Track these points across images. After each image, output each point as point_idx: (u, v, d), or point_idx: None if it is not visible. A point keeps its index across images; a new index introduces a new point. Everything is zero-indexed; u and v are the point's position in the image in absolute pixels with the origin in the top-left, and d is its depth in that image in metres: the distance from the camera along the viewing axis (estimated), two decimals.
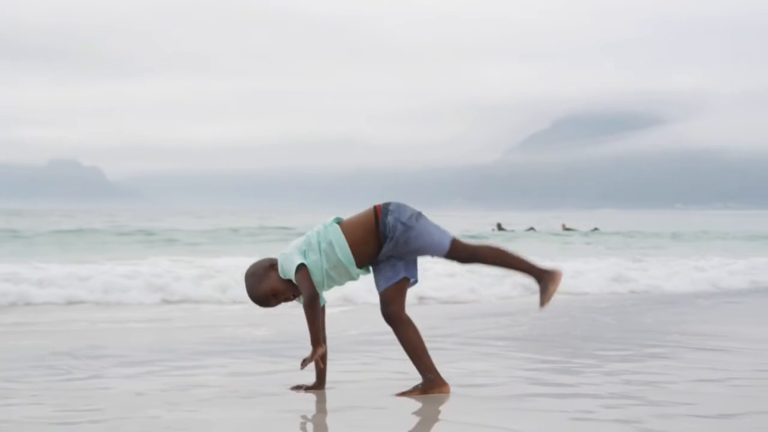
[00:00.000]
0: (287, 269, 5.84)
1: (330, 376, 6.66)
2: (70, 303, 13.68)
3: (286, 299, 5.97)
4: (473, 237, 49.85)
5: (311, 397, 5.90)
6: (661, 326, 10.50)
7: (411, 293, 6.14)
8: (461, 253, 5.93)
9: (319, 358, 5.92)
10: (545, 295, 5.90)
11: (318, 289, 5.87)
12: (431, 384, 5.92)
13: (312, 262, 5.84)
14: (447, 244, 5.90)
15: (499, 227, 58.51)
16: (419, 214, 5.95)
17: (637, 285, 18.41)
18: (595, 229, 61.06)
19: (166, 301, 14.17)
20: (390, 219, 5.86)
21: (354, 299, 14.48)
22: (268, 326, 10.54)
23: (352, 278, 5.97)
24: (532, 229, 58.73)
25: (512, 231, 56.48)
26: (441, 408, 5.59)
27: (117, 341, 9.17)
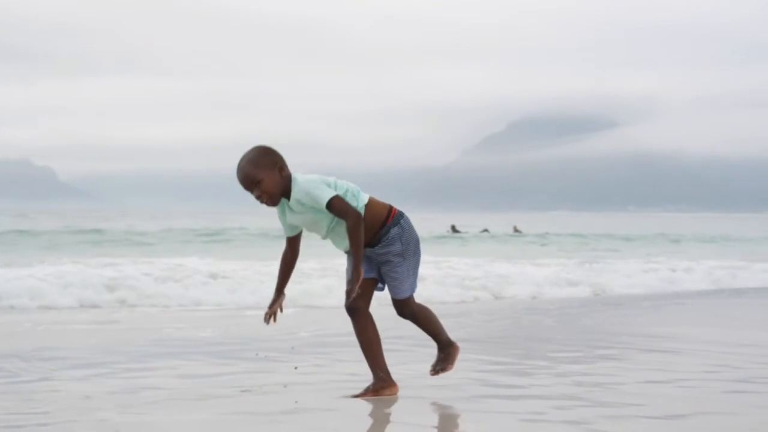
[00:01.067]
0: (315, 195, 5.66)
1: (282, 377, 6.65)
2: (11, 306, 13.59)
3: (264, 202, 5.71)
4: (428, 239, 50.01)
5: (262, 399, 5.88)
6: (611, 328, 10.58)
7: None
8: (408, 308, 6.06)
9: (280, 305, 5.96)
10: (443, 364, 6.12)
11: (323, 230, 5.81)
12: (382, 384, 5.93)
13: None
14: (406, 295, 5.98)
15: (454, 229, 58.67)
16: (416, 250, 5.97)
17: (587, 287, 18.58)
18: (545, 233, 61.49)
19: (120, 302, 14.10)
20: (394, 231, 5.88)
21: (302, 301, 14.50)
22: (213, 328, 10.52)
23: (325, 237, 5.88)
24: (486, 231, 58.96)
25: (466, 233, 56.67)
26: (392, 410, 5.59)
27: (65, 343, 9.09)
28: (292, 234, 5.95)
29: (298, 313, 13.12)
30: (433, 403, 5.76)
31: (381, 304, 6.60)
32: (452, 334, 9.82)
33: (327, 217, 5.77)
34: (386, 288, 6.01)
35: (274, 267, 18.40)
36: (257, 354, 7.99)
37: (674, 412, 5.47)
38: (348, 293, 5.74)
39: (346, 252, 5.88)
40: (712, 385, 6.41)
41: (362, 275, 5.70)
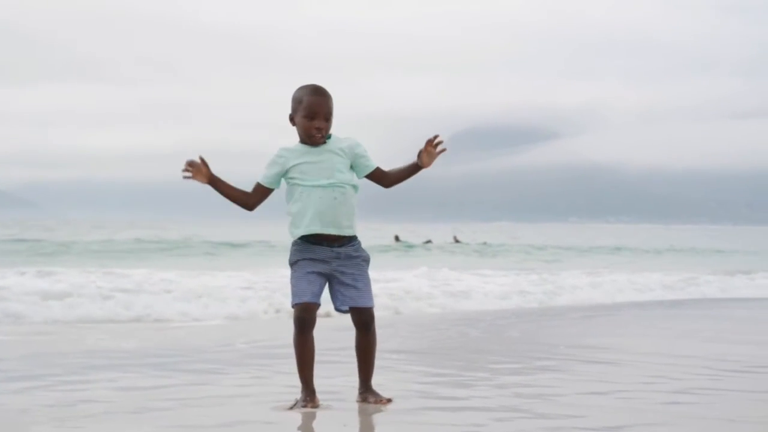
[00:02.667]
0: (367, 154, 6.05)
1: (221, 390, 6.61)
2: None
3: (320, 136, 5.81)
4: (372, 248, 49.97)
5: (201, 412, 5.82)
6: (551, 339, 10.64)
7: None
8: (373, 320, 6.02)
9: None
10: (376, 397, 6.05)
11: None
12: (312, 397, 5.90)
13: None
14: (373, 303, 5.95)
15: (397, 239, 58.75)
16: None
17: (528, 298, 18.69)
18: (484, 243, 61.87)
19: (56, 313, 13.91)
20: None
21: (237, 313, 14.44)
22: (148, 339, 10.45)
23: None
24: (429, 242, 59.11)
25: (407, 243, 56.75)
26: (332, 423, 5.57)
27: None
28: (274, 187, 5.86)
29: (235, 325, 13.07)
30: (374, 416, 5.74)
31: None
32: (393, 345, 9.85)
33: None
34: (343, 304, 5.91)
35: (206, 279, 18.18)
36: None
37: (613, 423, 5.51)
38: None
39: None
40: (651, 397, 6.46)
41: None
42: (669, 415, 5.76)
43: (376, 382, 6.90)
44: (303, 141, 5.88)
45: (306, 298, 5.74)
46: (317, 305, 5.80)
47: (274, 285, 18.07)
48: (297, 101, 5.86)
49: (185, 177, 5.80)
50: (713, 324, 13.07)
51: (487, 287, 19.73)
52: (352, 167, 5.94)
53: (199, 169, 5.78)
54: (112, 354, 9.05)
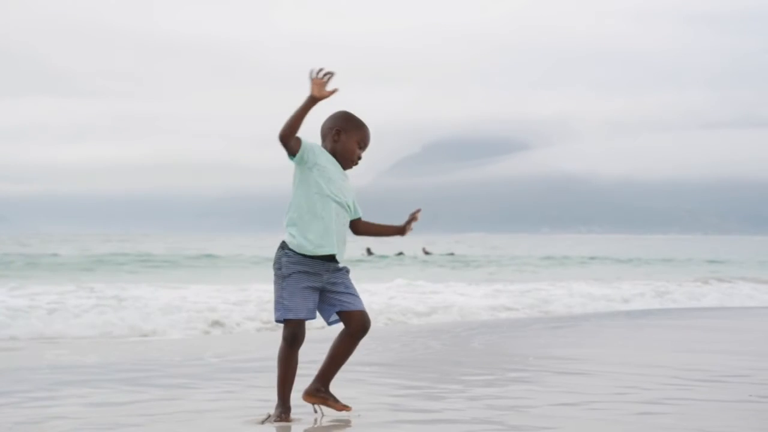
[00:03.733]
0: None
1: (192, 405, 6.58)
2: None
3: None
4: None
5: (173, 428, 5.80)
6: (523, 350, 10.66)
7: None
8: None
9: None
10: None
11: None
12: (286, 413, 5.90)
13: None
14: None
15: (369, 252, 58.72)
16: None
17: (501, 309, 18.72)
18: (451, 253, 62.06)
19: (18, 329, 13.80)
20: None
21: (206, 327, 14.38)
22: (106, 353, 10.40)
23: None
24: (401, 253, 59.09)
25: (377, 255, 56.75)
26: None
27: None
28: (301, 151, 5.77)
29: (205, 339, 13.02)
30: (345, 429, 5.74)
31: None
32: (367, 357, 9.84)
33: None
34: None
35: (175, 292, 17.99)
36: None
37: None
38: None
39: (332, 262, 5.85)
40: (622, 407, 6.49)
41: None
42: (640, 427, 5.78)
43: (348, 395, 6.90)
44: (333, 155, 5.91)
45: (302, 315, 5.75)
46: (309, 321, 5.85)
47: (244, 297, 18.04)
48: (354, 124, 5.95)
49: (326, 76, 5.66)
50: (683, 334, 13.14)
51: (460, 298, 19.76)
52: None
53: (321, 86, 5.66)
54: (81, 369, 8.98)
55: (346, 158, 5.90)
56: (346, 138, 5.89)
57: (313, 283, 5.78)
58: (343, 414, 6.09)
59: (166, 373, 8.56)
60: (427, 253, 60.85)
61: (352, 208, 5.97)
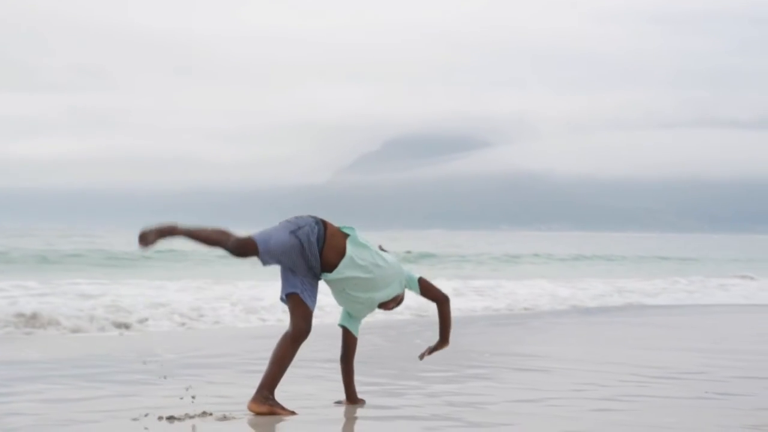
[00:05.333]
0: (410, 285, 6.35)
1: (150, 401, 6.54)
2: None
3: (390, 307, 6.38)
4: None
5: (131, 424, 5.75)
6: (483, 347, 10.69)
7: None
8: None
9: None
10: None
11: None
12: (273, 403, 5.98)
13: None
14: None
15: None
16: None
17: (460, 306, 18.73)
18: (408, 251, 62.12)
19: None
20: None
21: (164, 323, 14.28)
22: (63, 349, 10.31)
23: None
24: None
25: None
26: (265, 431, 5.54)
27: None
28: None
29: (163, 334, 12.94)
30: (305, 425, 5.72)
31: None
32: (326, 354, 9.83)
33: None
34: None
35: (132, 288, 17.81)
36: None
37: (542, 431, 5.56)
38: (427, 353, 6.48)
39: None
40: (580, 404, 6.53)
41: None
42: (598, 423, 5.82)
43: (307, 391, 6.90)
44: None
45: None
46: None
47: (208, 296, 17.95)
48: None
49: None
50: (640, 331, 13.25)
51: (409, 295, 19.77)
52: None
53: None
54: (35, 366, 8.89)
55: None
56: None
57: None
58: (304, 410, 6.08)
59: (122, 369, 8.50)
60: (382, 249, 60.88)
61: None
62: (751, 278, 31.41)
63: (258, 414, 5.93)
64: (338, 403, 6.34)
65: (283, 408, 5.98)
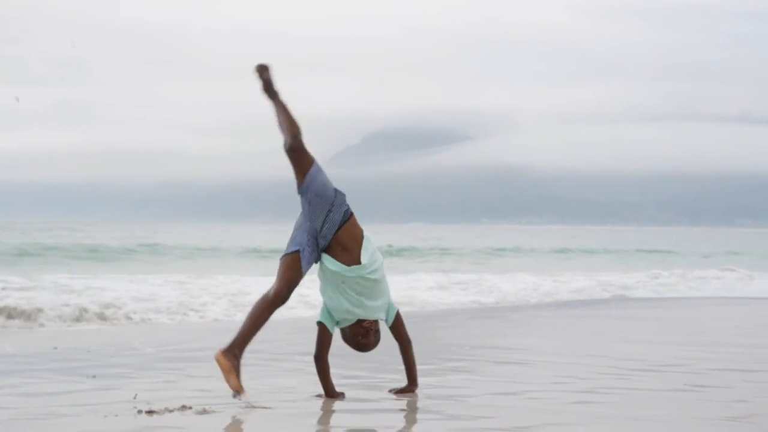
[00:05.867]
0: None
1: (130, 394, 6.52)
2: None
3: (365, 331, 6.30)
4: (277, 253, 49.70)
5: (108, 419, 5.73)
6: (462, 340, 10.71)
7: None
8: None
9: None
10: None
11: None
12: (234, 362, 6.03)
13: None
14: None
15: None
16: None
17: (441, 299, 18.77)
18: (389, 245, 62.12)
19: None
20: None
21: (145, 316, 14.26)
22: (40, 342, 10.26)
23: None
24: None
25: None
26: (243, 426, 5.54)
27: None
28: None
29: (143, 327, 12.92)
30: (285, 418, 5.72)
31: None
32: (306, 347, 9.82)
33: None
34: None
35: (110, 282, 17.77)
36: (94, 376, 7.78)
37: (522, 423, 5.57)
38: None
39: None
40: (560, 397, 6.55)
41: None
42: (577, 415, 5.84)
43: (287, 384, 6.90)
44: None
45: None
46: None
47: (190, 289, 17.94)
48: None
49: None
50: (619, 324, 13.30)
51: (403, 288, 19.80)
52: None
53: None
54: (13, 359, 8.85)
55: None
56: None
57: None
58: (283, 403, 6.08)
59: (101, 362, 8.47)
60: None
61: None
62: (732, 271, 31.59)
63: (221, 366, 5.98)
64: (318, 396, 6.34)
65: (237, 378, 6.01)
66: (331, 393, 6.30)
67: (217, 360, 5.99)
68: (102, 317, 13.84)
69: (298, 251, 6.12)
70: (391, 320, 6.42)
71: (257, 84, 6.41)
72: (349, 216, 6.24)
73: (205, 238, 69.52)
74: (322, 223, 6.15)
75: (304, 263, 6.12)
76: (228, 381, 6.00)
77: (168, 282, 19.37)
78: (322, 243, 6.17)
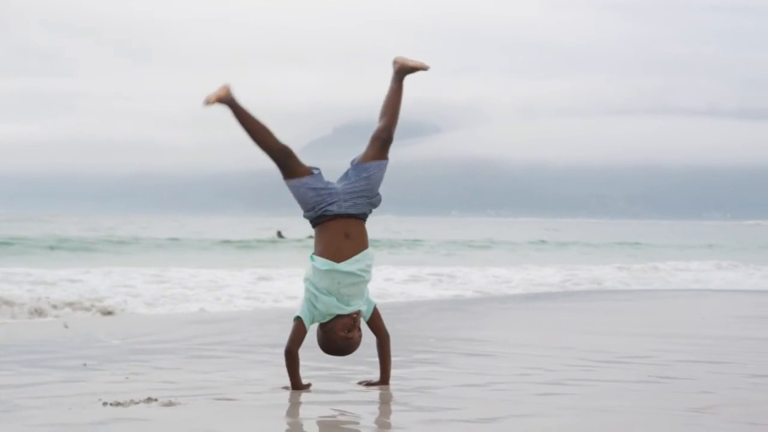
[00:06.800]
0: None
1: (95, 387, 6.49)
2: None
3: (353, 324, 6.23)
4: (246, 245, 49.75)
5: (74, 411, 5.70)
6: (431, 332, 10.74)
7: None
8: None
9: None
10: None
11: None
12: None
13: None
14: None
15: (279, 235, 58.58)
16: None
17: (409, 292, 18.80)
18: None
19: None
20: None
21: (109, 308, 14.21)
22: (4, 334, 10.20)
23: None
24: (311, 237, 58.86)
25: (289, 238, 56.68)
26: (209, 418, 5.52)
27: None
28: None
29: (110, 320, 12.85)
30: (251, 410, 5.71)
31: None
32: (275, 339, 9.81)
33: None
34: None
35: (75, 273, 17.70)
36: (85, 364, 7.73)
37: (488, 415, 5.59)
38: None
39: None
40: (526, 388, 6.57)
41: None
42: (542, 407, 5.87)
43: (254, 377, 6.89)
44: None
45: None
46: None
47: (160, 280, 17.88)
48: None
49: None
50: (587, 316, 13.37)
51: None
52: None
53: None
54: None
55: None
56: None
57: None
58: (249, 395, 6.07)
59: (67, 354, 8.43)
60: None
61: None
62: (700, 262, 31.86)
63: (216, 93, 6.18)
64: (285, 388, 6.33)
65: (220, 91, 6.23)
66: (298, 386, 6.28)
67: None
68: (68, 309, 13.77)
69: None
70: (369, 314, 6.41)
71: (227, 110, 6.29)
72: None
73: (174, 230, 69.18)
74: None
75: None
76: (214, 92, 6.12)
77: (136, 274, 19.30)
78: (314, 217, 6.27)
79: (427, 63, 6.60)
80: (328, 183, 6.29)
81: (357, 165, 6.35)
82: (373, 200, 6.33)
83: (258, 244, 51.20)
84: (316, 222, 6.30)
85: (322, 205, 6.21)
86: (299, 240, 55.32)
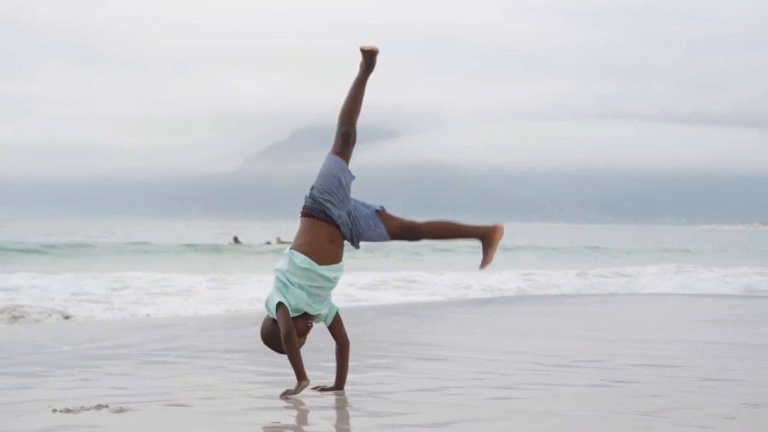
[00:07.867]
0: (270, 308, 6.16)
1: (45, 393, 6.42)
2: None
3: (306, 330, 6.26)
4: (199, 249, 49.52)
5: (22, 419, 5.63)
6: (386, 336, 10.73)
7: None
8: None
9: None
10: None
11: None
12: None
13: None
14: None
15: (236, 240, 58.34)
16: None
17: (366, 296, 18.81)
18: None
19: None
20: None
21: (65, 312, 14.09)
22: None
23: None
24: (269, 243, 58.71)
25: (244, 244, 56.52)
26: (160, 424, 5.48)
27: None
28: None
29: (60, 326, 12.73)
30: (201, 416, 5.67)
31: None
32: (227, 345, 9.76)
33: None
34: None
35: (31, 278, 17.56)
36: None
37: (440, 419, 5.60)
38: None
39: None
40: (478, 392, 6.59)
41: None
42: (493, 411, 5.88)
43: (206, 382, 6.85)
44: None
45: None
46: None
47: (101, 286, 17.72)
48: None
49: None
50: (541, 320, 13.42)
51: None
52: None
53: None
54: None
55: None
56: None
57: None
58: (202, 402, 6.03)
59: (17, 361, 8.33)
60: (282, 242, 60.71)
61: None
62: (656, 267, 32.17)
63: None
64: (283, 396, 6.25)
65: None
66: (302, 374, 6.17)
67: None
68: (17, 315, 13.62)
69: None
70: (330, 319, 6.41)
71: None
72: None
73: (129, 235, 68.68)
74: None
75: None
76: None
77: (88, 278, 19.14)
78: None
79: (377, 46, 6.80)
80: (349, 195, 6.45)
81: (377, 216, 6.53)
82: (356, 241, 6.39)
83: (215, 248, 51.09)
84: (310, 211, 6.25)
85: (329, 200, 6.24)
86: (249, 245, 55.16)
